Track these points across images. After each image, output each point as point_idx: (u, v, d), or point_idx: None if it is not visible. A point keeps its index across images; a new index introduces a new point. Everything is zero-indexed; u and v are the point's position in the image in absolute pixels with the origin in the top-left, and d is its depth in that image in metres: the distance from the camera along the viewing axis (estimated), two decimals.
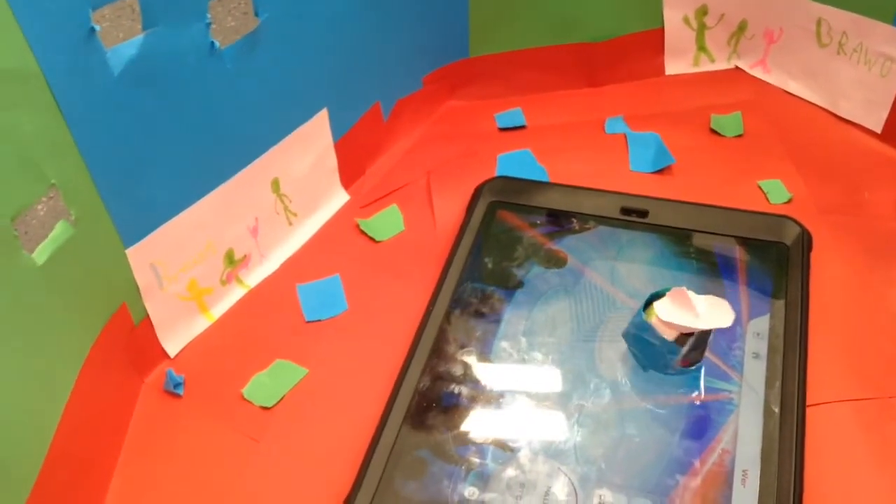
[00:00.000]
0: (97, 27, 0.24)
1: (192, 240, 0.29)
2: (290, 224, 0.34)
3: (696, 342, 0.27)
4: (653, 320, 0.28)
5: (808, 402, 0.27)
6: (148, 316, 0.29)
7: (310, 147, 0.33)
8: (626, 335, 0.29)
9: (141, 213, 0.27)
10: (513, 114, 0.40)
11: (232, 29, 0.40)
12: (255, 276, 0.32)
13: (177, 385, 0.29)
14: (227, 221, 0.30)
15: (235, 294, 0.32)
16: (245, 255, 0.32)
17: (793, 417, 0.25)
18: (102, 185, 0.25)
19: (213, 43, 0.27)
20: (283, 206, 0.33)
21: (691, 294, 0.28)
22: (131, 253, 0.27)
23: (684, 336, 0.27)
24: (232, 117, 0.29)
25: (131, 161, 0.26)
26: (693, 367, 0.27)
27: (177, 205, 0.28)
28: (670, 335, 0.27)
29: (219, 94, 0.28)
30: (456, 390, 0.27)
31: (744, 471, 0.25)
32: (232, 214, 0.30)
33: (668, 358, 0.27)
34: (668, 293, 0.28)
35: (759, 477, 0.24)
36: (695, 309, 0.27)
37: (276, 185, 0.32)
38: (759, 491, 0.24)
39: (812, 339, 0.28)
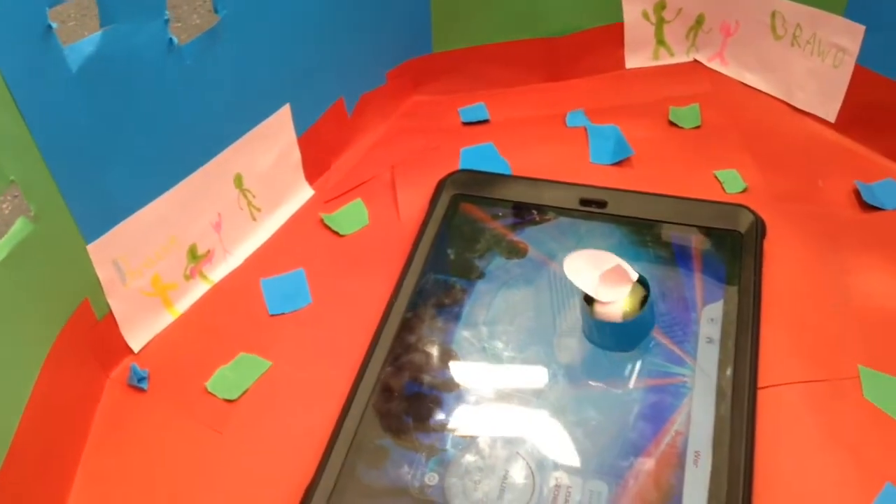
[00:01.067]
0: (54, 25, 0.24)
1: (154, 235, 0.29)
2: (254, 219, 0.34)
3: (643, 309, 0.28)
4: (596, 309, 0.29)
5: (759, 385, 0.27)
6: (111, 311, 0.29)
7: (272, 142, 0.33)
8: (588, 337, 0.29)
9: (102, 209, 0.27)
10: (476, 108, 0.41)
11: (191, 25, 0.40)
12: (219, 272, 0.33)
13: (141, 379, 0.29)
14: (190, 217, 0.31)
15: (199, 289, 0.32)
16: (209, 251, 0.32)
17: (744, 399, 0.26)
18: (62, 182, 0.26)
19: (171, 39, 0.27)
20: (246, 201, 0.33)
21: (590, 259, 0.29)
22: (92, 249, 0.27)
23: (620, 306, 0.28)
24: (193, 113, 0.29)
25: (91, 157, 0.26)
26: (640, 331, 0.28)
27: (138, 200, 0.28)
28: (615, 316, 0.28)
29: (179, 91, 0.28)
30: (417, 379, 0.28)
31: (696, 452, 0.25)
32: (194, 210, 0.31)
33: (626, 335, 0.28)
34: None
35: (711, 457, 0.25)
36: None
37: (238, 180, 0.32)
38: (711, 471, 0.25)
39: (765, 324, 0.29)
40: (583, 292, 0.29)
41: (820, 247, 0.33)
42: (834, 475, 0.26)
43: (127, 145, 0.27)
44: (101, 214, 0.27)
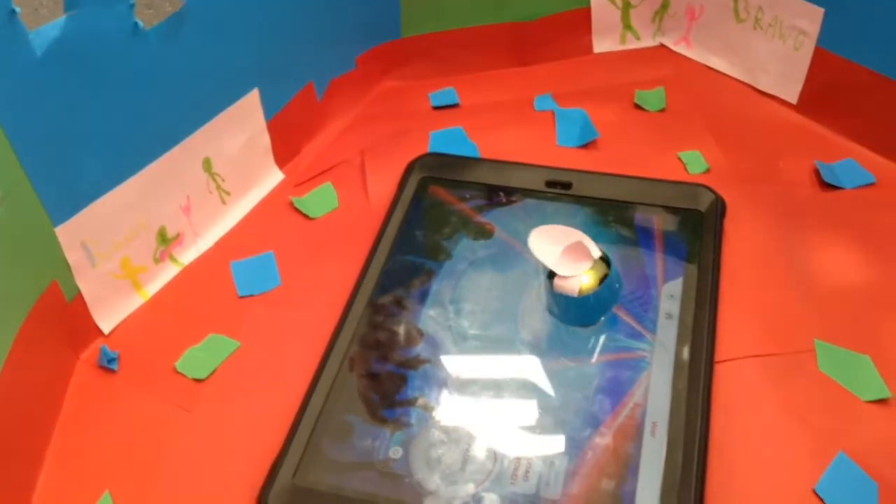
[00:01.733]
0: (17, 9, 0.24)
1: (123, 218, 0.30)
2: (224, 203, 0.34)
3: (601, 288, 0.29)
4: (555, 283, 0.29)
5: (717, 359, 0.28)
6: (81, 293, 0.29)
7: (241, 127, 0.34)
8: (548, 309, 0.30)
9: (69, 192, 0.28)
10: (446, 93, 0.41)
11: (158, 10, 0.40)
12: (189, 254, 0.33)
13: (111, 360, 0.29)
14: (159, 200, 0.31)
15: (169, 272, 0.32)
16: (178, 234, 0.32)
17: (700, 373, 0.27)
18: (28, 165, 0.26)
19: (137, 24, 0.28)
20: (215, 184, 0.33)
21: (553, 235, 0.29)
22: (60, 231, 0.28)
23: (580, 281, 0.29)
24: (160, 97, 0.29)
25: (57, 141, 0.27)
26: (601, 307, 0.29)
27: (106, 183, 0.29)
28: (572, 290, 0.29)
29: (145, 75, 0.29)
30: (383, 357, 0.28)
31: (653, 423, 0.26)
32: (163, 193, 0.31)
33: (583, 310, 0.29)
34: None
35: (668, 428, 0.26)
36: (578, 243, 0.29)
37: (207, 164, 0.33)
38: (667, 441, 0.25)
39: (724, 300, 0.30)
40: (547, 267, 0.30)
41: (780, 225, 0.33)
42: (788, 445, 0.26)
43: (94, 129, 0.28)
44: (68, 197, 0.28)
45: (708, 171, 0.36)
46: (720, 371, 0.28)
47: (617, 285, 0.30)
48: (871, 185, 0.35)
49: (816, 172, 0.35)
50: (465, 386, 0.27)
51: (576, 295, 0.29)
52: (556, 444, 0.26)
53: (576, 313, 0.29)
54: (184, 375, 0.29)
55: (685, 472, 0.24)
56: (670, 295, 0.30)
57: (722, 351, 0.29)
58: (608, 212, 0.33)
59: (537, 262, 0.31)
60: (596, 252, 0.30)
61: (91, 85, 0.27)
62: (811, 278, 0.31)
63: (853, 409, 0.27)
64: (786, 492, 0.25)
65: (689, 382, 0.27)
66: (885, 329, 0.29)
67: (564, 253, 0.29)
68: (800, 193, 0.35)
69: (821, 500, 0.25)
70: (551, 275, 0.30)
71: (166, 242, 0.32)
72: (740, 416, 0.27)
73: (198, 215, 0.33)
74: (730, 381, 0.28)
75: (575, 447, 0.25)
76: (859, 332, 0.29)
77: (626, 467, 0.25)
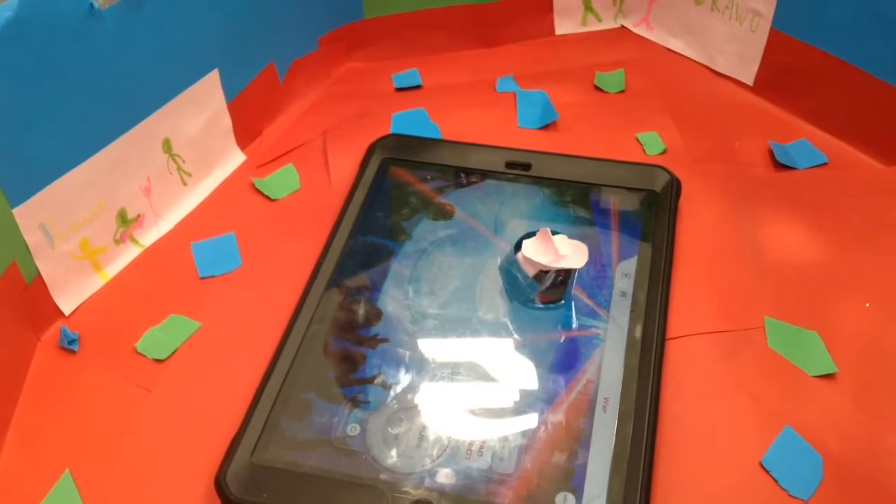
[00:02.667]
0: None
1: (82, 199, 0.30)
2: (185, 184, 0.34)
3: (555, 281, 0.29)
4: (518, 256, 0.30)
5: (670, 336, 0.29)
6: (41, 275, 0.29)
7: (201, 107, 0.34)
8: (499, 268, 0.30)
9: (27, 173, 0.28)
10: (409, 74, 0.41)
11: None
12: (149, 236, 0.33)
13: (71, 341, 0.29)
14: (118, 181, 0.31)
15: (130, 253, 0.33)
16: (139, 215, 0.32)
17: (651, 349, 0.27)
18: None
19: (92, 4, 0.28)
20: (175, 165, 0.33)
21: (558, 237, 0.29)
22: (18, 213, 0.28)
23: (542, 273, 0.29)
24: (117, 77, 0.29)
25: (13, 121, 0.27)
26: (554, 305, 0.29)
27: (64, 165, 0.29)
28: (531, 271, 0.29)
29: (102, 55, 0.29)
30: (342, 336, 0.29)
31: (605, 398, 0.26)
32: (122, 174, 0.31)
33: (528, 292, 0.29)
34: (536, 234, 0.30)
35: (619, 403, 0.26)
36: (556, 250, 0.29)
37: (167, 145, 0.33)
38: (618, 415, 0.26)
39: (678, 278, 0.31)
40: (521, 237, 0.31)
41: (734, 204, 0.34)
42: (736, 419, 0.27)
43: (50, 109, 0.28)
44: (26, 178, 0.28)
45: (665, 151, 0.36)
46: (672, 347, 0.29)
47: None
48: (824, 165, 0.36)
49: (771, 153, 0.36)
50: (422, 364, 0.28)
51: (530, 276, 0.29)
52: (510, 419, 0.26)
53: (519, 293, 0.30)
54: (144, 356, 0.29)
55: (634, 446, 0.25)
56: (625, 274, 0.30)
57: (674, 328, 0.29)
58: (566, 192, 0.34)
59: (496, 243, 0.31)
60: (563, 252, 0.30)
61: (46, 66, 0.27)
62: (763, 257, 0.32)
63: (801, 384, 0.28)
64: (733, 464, 0.26)
65: (641, 359, 0.27)
66: (833, 306, 0.30)
67: (538, 238, 0.29)
68: (754, 173, 0.36)
69: (767, 472, 0.26)
70: (516, 246, 0.30)
71: (126, 224, 0.32)
72: (691, 392, 0.28)
73: (158, 196, 0.33)
74: (681, 358, 0.29)
75: (528, 423, 0.26)
76: (808, 309, 0.30)
77: (577, 441, 0.25)
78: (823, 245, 0.32)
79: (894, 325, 0.29)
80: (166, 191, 0.33)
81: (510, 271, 0.30)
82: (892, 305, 0.30)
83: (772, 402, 0.27)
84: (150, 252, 0.33)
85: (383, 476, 0.25)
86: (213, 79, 0.34)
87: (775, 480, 0.25)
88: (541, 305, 0.29)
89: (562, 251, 0.29)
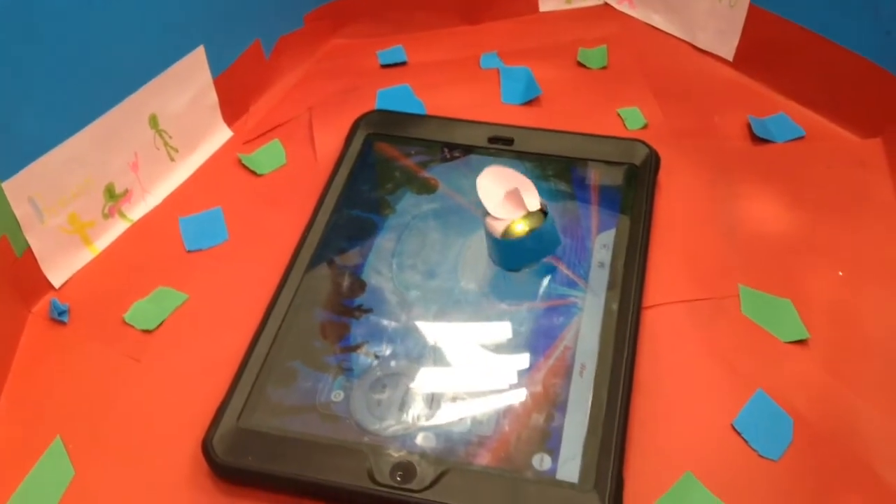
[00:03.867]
0: None
1: (70, 174, 0.30)
2: (172, 160, 0.35)
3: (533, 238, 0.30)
4: (486, 221, 0.31)
5: (646, 304, 0.30)
6: (30, 248, 0.30)
7: (187, 84, 0.34)
8: (489, 252, 0.31)
9: (15, 148, 0.28)
10: (394, 51, 0.42)
11: None
12: (137, 210, 0.34)
13: (61, 313, 0.30)
14: (105, 156, 0.31)
15: (118, 227, 0.33)
16: (127, 190, 0.33)
17: (627, 317, 0.28)
18: None
19: None
20: (163, 141, 0.34)
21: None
22: (7, 186, 0.28)
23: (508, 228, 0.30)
24: (102, 53, 0.30)
25: (0, 97, 0.27)
26: (535, 268, 0.30)
27: (51, 139, 0.29)
28: (497, 232, 0.30)
29: (88, 31, 0.29)
30: (327, 306, 0.29)
31: (582, 364, 0.27)
32: (109, 149, 0.31)
33: (505, 253, 0.30)
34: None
35: (595, 368, 0.27)
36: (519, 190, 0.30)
37: (154, 120, 0.33)
38: (594, 380, 0.27)
39: (655, 249, 0.31)
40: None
41: (712, 178, 0.35)
42: (710, 383, 0.28)
43: (37, 84, 0.28)
44: (14, 152, 0.28)
45: (646, 126, 0.37)
46: (649, 316, 0.29)
47: (549, 240, 0.31)
48: (801, 138, 0.36)
49: (749, 126, 0.37)
50: (405, 333, 0.29)
51: (497, 236, 0.30)
52: (490, 384, 0.27)
53: (498, 255, 0.31)
54: (132, 327, 0.30)
55: (609, 409, 0.26)
56: (603, 245, 0.31)
57: (651, 297, 0.30)
58: (548, 166, 0.34)
59: (478, 216, 0.32)
60: (535, 205, 0.31)
61: (32, 41, 0.27)
62: (739, 227, 0.33)
63: (773, 350, 0.29)
64: (706, 426, 0.27)
65: (617, 327, 0.28)
66: (806, 274, 0.31)
67: (505, 198, 0.30)
68: (732, 147, 0.36)
69: (738, 434, 0.26)
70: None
71: (115, 198, 0.33)
72: (666, 358, 0.28)
73: (146, 172, 0.34)
74: (657, 326, 0.29)
75: (507, 387, 0.27)
76: (782, 277, 0.31)
77: (554, 405, 0.26)
78: (798, 216, 0.33)
79: (865, 293, 0.30)
80: (154, 166, 0.34)
81: (489, 240, 0.31)
82: (864, 274, 0.31)
83: (745, 367, 0.28)
84: (138, 226, 0.34)
85: (366, 439, 0.26)
86: (199, 55, 0.34)
87: (746, 442, 0.26)
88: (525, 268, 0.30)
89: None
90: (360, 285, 0.30)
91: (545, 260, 0.31)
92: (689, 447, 0.26)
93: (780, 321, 0.29)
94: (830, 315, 0.30)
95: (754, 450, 0.26)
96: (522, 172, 0.34)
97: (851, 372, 0.28)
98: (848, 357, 0.28)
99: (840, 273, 0.31)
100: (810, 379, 0.28)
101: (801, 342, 0.29)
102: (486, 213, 0.31)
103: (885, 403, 0.27)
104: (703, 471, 0.25)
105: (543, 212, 0.31)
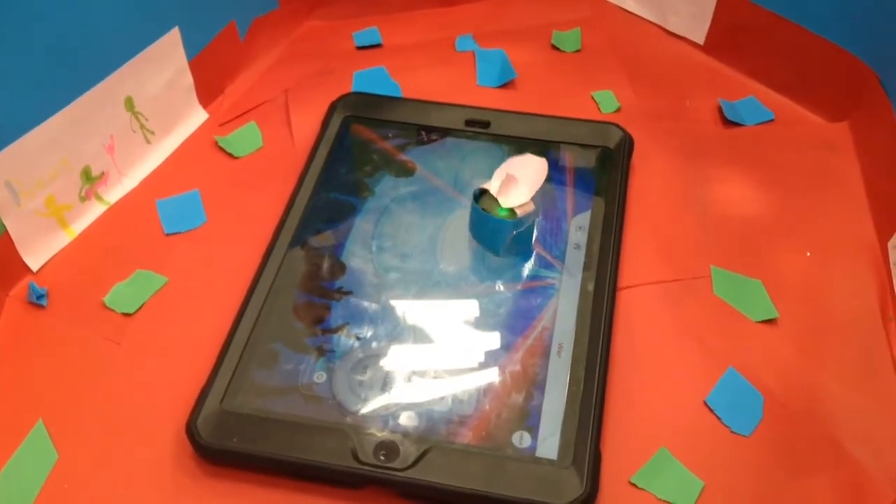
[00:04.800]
0: None
1: (46, 157, 0.30)
2: (148, 142, 0.35)
3: (524, 230, 0.31)
4: (484, 203, 0.31)
5: (621, 285, 0.30)
6: (7, 231, 0.30)
7: (163, 65, 0.34)
8: (470, 227, 0.31)
9: None
10: (369, 32, 0.42)
11: None
12: (114, 193, 0.34)
13: (40, 297, 0.30)
14: (81, 139, 0.31)
15: (95, 210, 0.33)
16: (103, 173, 0.33)
17: (603, 297, 0.29)
18: None
19: None
20: (139, 124, 0.34)
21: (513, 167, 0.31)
22: None
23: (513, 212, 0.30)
24: (76, 35, 0.30)
25: None
26: (523, 255, 0.31)
27: (27, 122, 0.29)
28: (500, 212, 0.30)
29: (62, 13, 0.29)
30: (307, 288, 0.30)
31: (560, 344, 0.28)
32: (85, 132, 0.31)
33: (500, 236, 0.30)
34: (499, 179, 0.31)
35: (573, 348, 0.28)
36: (520, 181, 0.30)
37: (129, 103, 0.33)
38: (571, 360, 0.27)
39: (629, 231, 0.32)
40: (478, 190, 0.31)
41: (684, 160, 0.35)
42: (683, 362, 0.29)
43: (10, 67, 0.28)
44: None
45: (619, 109, 0.37)
46: (623, 297, 0.30)
47: (527, 238, 0.31)
48: (770, 121, 0.37)
49: (720, 110, 0.37)
50: (385, 315, 0.29)
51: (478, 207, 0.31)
52: (470, 365, 0.27)
53: (477, 231, 0.31)
54: (112, 310, 0.30)
55: (587, 387, 0.26)
56: (579, 227, 0.32)
57: (625, 278, 0.31)
58: (524, 149, 0.34)
59: (457, 198, 0.32)
60: (527, 196, 0.31)
61: (6, 23, 0.27)
62: (710, 209, 0.33)
63: (744, 328, 0.30)
64: (679, 404, 0.28)
65: (593, 307, 0.29)
66: (776, 255, 0.32)
67: (507, 181, 0.30)
68: (704, 130, 0.37)
69: (711, 410, 0.27)
70: (476, 198, 0.31)
71: (91, 181, 0.32)
72: (640, 338, 0.29)
73: (122, 154, 0.33)
74: (632, 306, 0.30)
75: (487, 367, 0.27)
76: (752, 258, 0.32)
77: (533, 384, 0.27)
78: (768, 198, 0.34)
79: (833, 273, 0.31)
80: (130, 149, 0.34)
81: (478, 222, 0.31)
82: (832, 254, 0.32)
83: (716, 345, 0.29)
84: (115, 209, 0.33)
85: (349, 420, 0.26)
86: (173, 37, 0.34)
87: (718, 418, 0.27)
88: (511, 252, 0.31)
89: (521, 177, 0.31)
90: (339, 267, 0.30)
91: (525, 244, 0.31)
92: (663, 424, 0.27)
93: (750, 301, 0.30)
94: (799, 294, 0.30)
95: (726, 426, 0.27)
96: (499, 155, 0.34)
97: (819, 350, 0.29)
98: (816, 335, 0.29)
99: (808, 254, 0.32)
100: (780, 357, 0.29)
101: (770, 321, 0.30)
102: (475, 199, 0.31)
103: (851, 380, 0.28)
104: (677, 446, 0.26)
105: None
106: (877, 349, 0.29)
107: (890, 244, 0.31)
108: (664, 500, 0.25)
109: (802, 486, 0.26)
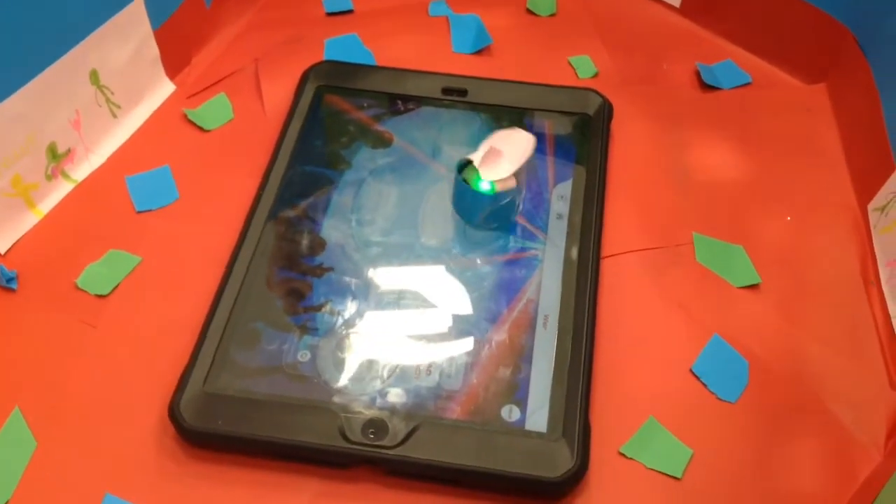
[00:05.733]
0: None
1: (10, 134, 0.29)
2: (115, 116, 0.33)
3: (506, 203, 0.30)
4: (469, 175, 0.30)
5: (604, 254, 0.30)
6: None
7: (127, 37, 0.33)
8: (452, 198, 0.31)
9: None
10: None
11: None
12: (81, 171, 0.32)
13: (9, 280, 0.29)
14: (46, 115, 0.30)
15: (63, 189, 0.32)
16: (69, 149, 0.32)
17: (587, 267, 0.29)
18: None
19: None
20: (104, 97, 0.33)
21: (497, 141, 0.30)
22: None
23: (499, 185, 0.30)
24: (39, 8, 0.28)
25: None
26: (503, 229, 0.30)
27: None
28: (484, 185, 0.30)
29: None
30: (287, 265, 0.29)
31: (545, 315, 0.28)
32: (50, 108, 0.30)
33: (477, 209, 0.30)
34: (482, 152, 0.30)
35: (558, 319, 0.27)
36: (503, 155, 0.30)
37: (94, 76, 0.32)
38: (558, 331, 0.27)
39: (611, 198, 0.32)
40: (460, 161, 0.31)
41: (663, 126, 0.35)
42: (668, 329, 0.29)
43: None
44: None
45: (597, 75, 0.37)
46: (607, 265, 0.30)
47: (509, 210, 0.31)
48: (747, 84, 0.37)
49: (697, 74, 0.37)
50: (368, 290, 0.29)
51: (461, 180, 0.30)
52: (456, 339, 0.27)
53: (458, 202, 0.31)
54: (86, 292, 0.29)
55: (574, 358, 0.26)
56: (560, 196, 0.31)
57: (608, 247, 0.30)
58: (502, 117, 0.34)
59: (436, 169, 0.31)
60: (510, 170, 0.30)
61: None
62: (690, 176, 0.33)
63: (727, 295, 0.30)
64: (666, 372, 0.28)
65: (578, 277, 0.28)
66: (756, 219, 0.32)
67: (491, 154, 0.30)
68: (682, 94, 0.37)
69: (697, 378, 0.27)
70: (460, 169, 0.31)
71: (57, 159, 0.31)
72: (625, 306, 0.29)
73: (88, 130, 0.32)
74: (616, 275, 0.30)
75: (473, 341, 0.27)
76: (734, 224, 0.32)
77: (520, 357, 0.27)
78: (747, 162, 0.34)
79: (813, 237, 0.31)
80: (96, 124, 0.33)
81: (459, 193, 0.30)
82: (811, 218, 0.32)
83: (701, 312, 0.29)
84: (83, 187, 0.32)
85: (335, 398, 0.26)
86: (137, 6, 0.33)
87: (705, 385, 0.27)
88: (487, 225, 0.30)
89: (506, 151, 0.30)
90: (319, 243, 0.30)
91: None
92: (651, 393, 0.27)
93: (732, 267, 0.30)
94: (781, 259, 0.31)
95: (713, 392, 0.27)
96: (478, 124, 0.34)
97: (802, 314, 0.29)
98: (799, 300, 0.29)
99: (788, 218, 0.32)
100: (763, 322, 0.29)
101: (753, 287, 0.30)
102: (459, 170, 0.31)
103: (835, 343, 0.28)
104: (665, 415, 0.26)
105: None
106: (859, 312, 0.29)
107: (870, 207, 0.31)
108: (654, 469, 0.25)
109: (789, 450, 0.26)
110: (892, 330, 0.28)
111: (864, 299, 0.29)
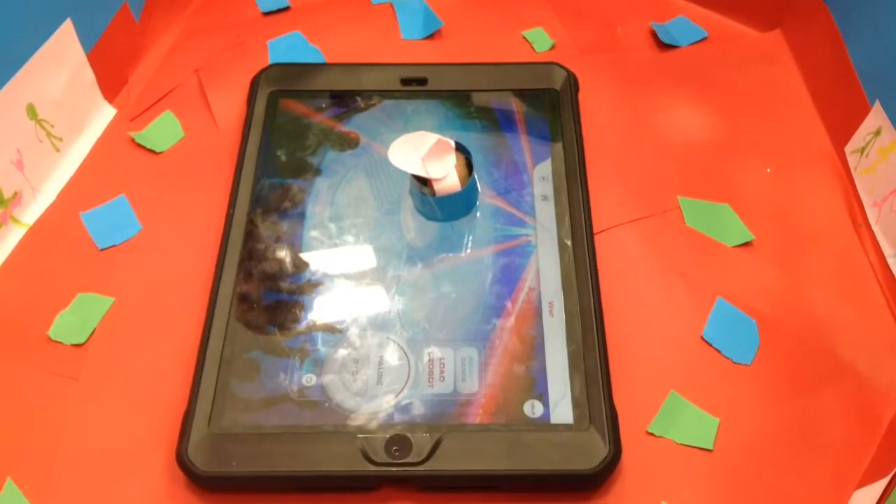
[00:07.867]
0: None
1: None
2: (58, 150, 0.31)
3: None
4: (436, 188, 0.29)
5: (595, 230, 0.29)
6: None
7: (60, 64, 0.30)
8: (409, 192, 0.30)
9: None
10: None
11: None
12: (31, 213, 0.30)
13: None
14: None
15: (15, 235, 0.30)
16: (16, 192, 0.29)
17: (584, 246, 0.28)
18: None
19: None
20: (45, 132, 0.30)
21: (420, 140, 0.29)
22: None
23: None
24: None
25: None
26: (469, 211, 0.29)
27: None
28: (455, 186, 0.29)
29: None
30: (274, 287, 0.28)
31: (550, 303, 0.27)
32: None
33: (446, 211, 0.29)
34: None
35: (564, 304, 0.27)
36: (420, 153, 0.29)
37: (31, 111, 0.29)
38: (565, 316, 0.26)
39: (592, 173, 0.31)
40: (411, 175, 0.29)
41: (627, 91, 0.34)
42: (672, 299, 0.28)
43: None
44: None
45: (554, 47, 0.36)
46: (599, 241, 0.29)
47: (473, 188, 0.30)
48: (704, 40, 0.37)
49: (653, 33, 0.36)
50: (363, 300, 0.27)
51: (461, 189, 0.29)
52: (464, 339, 0.26)
53: (459, 206, 0.29)
54: (60, 343, 0.27)
55: (587, 342, 0.26)
56: (542, 177, 0.30)
57: (598, 222, 0.30)
58: (468, 103, 0.33)
59: (407, 176, 0.30)
60: (451, 142, 0.29)
61: None
62: (664, 140, 0.33)
63: (723, 256, 0.29)
64: (678, 342, 0.27)
65: (575, 258, 0.28)
66: (737, 176, 0.32)
67: (428, 155, 0.28)
68: (641, 57, 0.36)
69: (709, 344, 0.27)
70: (420, 180, 0.29)
71: (4, 204, 0.29)
72: (625, 281, 0.28)
73: (33, 169, 0.30)
74: (610, 250, 0.29)
75: (482, 339, 0.26)
76: (716, 183, 0.31)
77: (532, 349, 0.26)
78: (717, 119, 0.34)
79: (796, 186, 0.31)
80: (40, 161, 0.30)
81: (433, 198, 0.29)
82: (791, 167, 0.32)
83: (700, 277, 0.29)
84: (36, 230, 0.30)
85: (350, 420, 0.24)
86: (67, 30, 0.30)
87: (718, 351, 0.27)
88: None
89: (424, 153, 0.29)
90: (302, 258, 0.28)
91: (488, 201, 0.30)
92: (667, 366, 0.27)
93: (723, 227, 0.30)
94: (768, 213, 0.30)
95: (727, 357, 0.27)
96: (442, 112, 0.33)
97: (799, 265, 0.29)
98: (793, 251, 0.29)
99: (768, 170, 0.32)
100: (763, 279, 0.29)
101: (747, 244, 0.30)
102: (424, 182, 0.29)
103: (835, 290, 0.28)
104: (685, 387, 0.26)
105: (468, 162, 0.30)
106: (854, 256, 0.29)
107: (847, 150, 0.31)
108: (685, 444, 0.25)
109: (812, 404, 0.26)
110: (889, 270, 0.28)
111: (856, 242, 0.29)
